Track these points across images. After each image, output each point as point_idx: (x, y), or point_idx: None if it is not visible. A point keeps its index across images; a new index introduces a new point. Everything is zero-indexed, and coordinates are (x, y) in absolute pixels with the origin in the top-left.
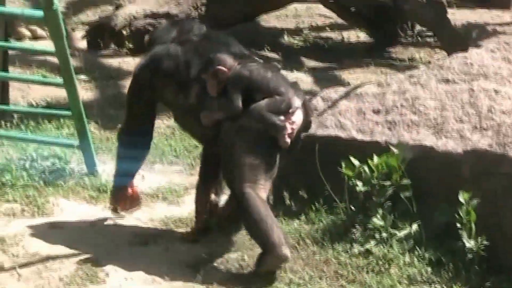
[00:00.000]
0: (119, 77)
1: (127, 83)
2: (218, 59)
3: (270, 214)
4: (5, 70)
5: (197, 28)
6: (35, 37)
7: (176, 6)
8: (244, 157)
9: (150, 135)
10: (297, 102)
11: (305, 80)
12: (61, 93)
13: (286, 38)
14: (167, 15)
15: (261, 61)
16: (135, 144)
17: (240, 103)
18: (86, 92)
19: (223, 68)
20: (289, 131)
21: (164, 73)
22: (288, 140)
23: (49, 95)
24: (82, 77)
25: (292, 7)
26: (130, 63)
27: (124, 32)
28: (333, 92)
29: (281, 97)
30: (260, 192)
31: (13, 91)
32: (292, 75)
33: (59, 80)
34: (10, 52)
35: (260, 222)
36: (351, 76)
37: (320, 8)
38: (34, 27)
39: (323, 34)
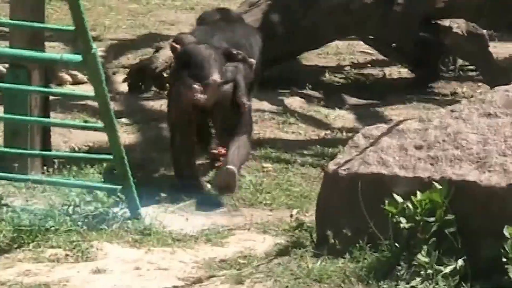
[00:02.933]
0: (160, 119)
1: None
2: (177, 37)
3: None
4: (47, 115)
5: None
6: (75, 82)
7: None
8: None
9: None
10: (214, 76)
11: (347, 117)
12: (103, 137)
13: (328, 76)
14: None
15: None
16: None
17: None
18: (127, 135)
19: (175, 44)
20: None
21: None
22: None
23: (91, 140)
24: (123, 120)
25: (334, 44)
26: None
27: (165, 75)
28: (375, 129)
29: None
30: None
31: (54, 136)
32: (334, 113)
33: (100, 124)
34: (51, 97)
35: None
36: (393, 112)
37: (361, 45)
38: (74, 72)
39: (365, 71)
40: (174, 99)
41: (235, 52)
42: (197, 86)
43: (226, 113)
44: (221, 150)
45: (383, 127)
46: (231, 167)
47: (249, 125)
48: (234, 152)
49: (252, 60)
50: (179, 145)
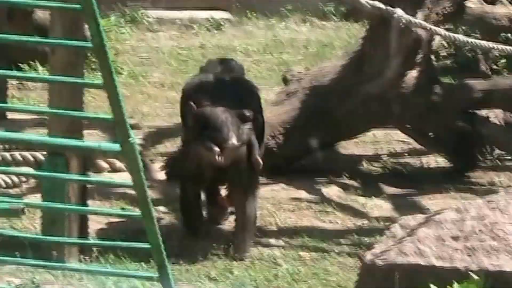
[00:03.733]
0: None
1: (205, 213)
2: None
3: None
4: (84, 203)
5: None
6: (113, 169)
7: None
8: None
9: None
10: (232, 140)
11: (384, 206)
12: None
13: (365, 165)
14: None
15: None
16: None
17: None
18: (165, 223)
19: (192, 104)
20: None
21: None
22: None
23: (128, 228)
24: (161, 209)
25: (371, 133)
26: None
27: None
28: (412, 219)
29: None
30: None
31: (92, 224)
32: (372, 202)
33: (138, 212)
34: (89, 185)
35: None
36: (431, 202)
37: (399, 134)
38: (112, 160)
39: (402, 160)
40: (191, 158)
41: (248, 114)
42: (217, 149)
43: (239, 172)
44: (226, 202)
45: (420, 217)
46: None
47: (258, 181)
48: (244, 217)
49: (261, 118)
50: (191, 200)
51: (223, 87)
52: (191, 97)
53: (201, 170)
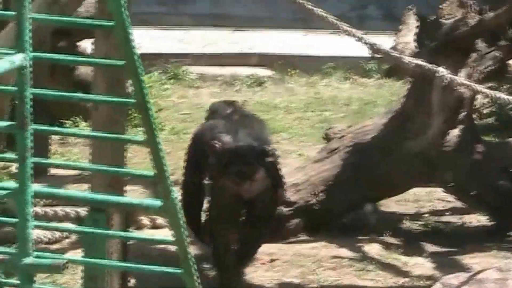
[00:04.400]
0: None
1: (248, 270)
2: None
3: None
4: (125, 259)
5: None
6: (155, 226)
7: (295, 193)
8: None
9: None
10: (260, 173)
11: (426, 265)
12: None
13: (407, 223)
14: (286, 202)
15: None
16: None
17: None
18: (206, 280)
19: (215, 143)
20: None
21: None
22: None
23: (171, 285)
24: (203, 265)
25: (412, 191)
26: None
27: None
28: (454, 278)
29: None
30: None
31: (133, 280)
32: (413, 261)
33: (178, 269)
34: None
35: None
36: (472, 261)
37: (440, 192)
38: (154, 216)
39: (444, 219)
40: (220, 194)
41: (268, 148)
42: (245, 182)
43: (264, 205)
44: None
45: (462, 276)
46: None
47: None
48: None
49: (278, 153)
50: (223, 238)
51: (237, 125)
52: (208, 137)
53: (230, 206)
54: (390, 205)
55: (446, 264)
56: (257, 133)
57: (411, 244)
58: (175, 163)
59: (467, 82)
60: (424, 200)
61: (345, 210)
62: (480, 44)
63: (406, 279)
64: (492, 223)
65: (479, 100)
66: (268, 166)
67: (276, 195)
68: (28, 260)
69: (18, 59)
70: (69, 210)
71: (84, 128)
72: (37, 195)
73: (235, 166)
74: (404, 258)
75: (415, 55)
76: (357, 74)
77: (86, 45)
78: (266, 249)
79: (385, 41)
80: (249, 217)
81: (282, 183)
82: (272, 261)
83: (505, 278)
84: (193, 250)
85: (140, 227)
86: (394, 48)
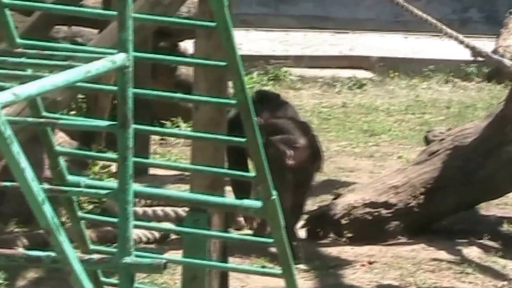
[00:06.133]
0: (338, 267)
1: (346, 272)
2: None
3: None
4: (225, 260)
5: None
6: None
7: (394, 195)
8: None
9: None
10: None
11: None
12: (281, 283)
13: (506, 226)
14: (386, 205)
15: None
16: None
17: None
18: (305, 282)
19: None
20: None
21: None
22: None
23: (269, 285)
24: (301, 266)
25: None
26: (349, 252)
27: (344, 222)
28: None
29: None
30: None
31: (232, 281)
32: (510, 264)
33: (278, 270)
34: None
35: None
36: None
37: None
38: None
39: None
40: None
41: (305, 123)
42: (289, 151)
43: (306, 174)
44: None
45: None
46: None
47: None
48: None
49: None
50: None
51: (269, 107)
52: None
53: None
54: (489, 208)
55: None
56: (292, 112)
57: (510, 247)
58: None
59: None
60: None
61: (445, 213)
62: None
63: (505, 282)
64: None
65: None
66: (308, 138)
67: (314, 165)
68: (128, 259)
69: (119, 58)
70: (169, 210)
71: (184, 128)
72: (138, 194)
73: (278, 137)
74: (503, 261)
75: None
76: (457, 77)
77: (187, 45)
78: (365, 251)
79: (486, 44)
80: (294, 183)
81: (320, 154)
82: (371, 263)
83: None
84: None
85: (240, 228)
86: (495, 51)
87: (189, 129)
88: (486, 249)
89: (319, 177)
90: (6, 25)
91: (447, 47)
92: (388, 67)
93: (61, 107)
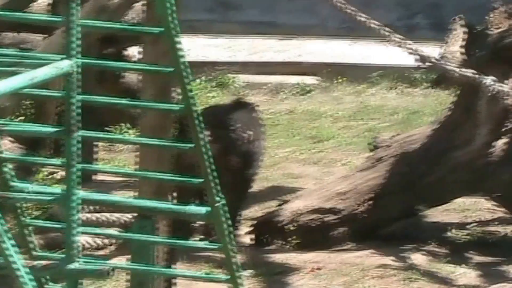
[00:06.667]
0: (284, 273)
1: (292, 279)
2: None
3: None
4: (171, 266)
5: None
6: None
7: (341, 202)
8: None
9: None
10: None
11: (471, 275)
12: None
13: (452, 233)
14: (332, 211)
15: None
16: None
17: None
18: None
19: None
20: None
21: None
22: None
23: None
24: (247, 273)
25: (458, 201)
26: (295, 259)
27: (290, 228)
28: None
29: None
30: None
31: (179, 286)
32: (459, 270)
33: (224, 276)
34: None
35: None
36: None
37: (486, 202)
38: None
39: (490, 229)
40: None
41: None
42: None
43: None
44: None
45: (508, 286)
46: None
47: None
48: None
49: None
50: None
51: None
52: None
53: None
54: (436, 214)
55: (492, 274)
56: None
57: (457, 253)
58: None
59: None
60: (470, 210)
61: (391, 220)
62: None
63: None
64: None
65: None
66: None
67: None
68: (74, 266)
69: (65, 65)
70: (115, 216)
71: (131, 134)
72: (84, 201)
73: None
74: (449, 268)
75: (463, 64)
76: (404, 83)
77: (133, 51)
78: (311, 257)
79: (432, 50)
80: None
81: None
82: (317, 269)
83: None
84: (238, 257)
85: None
86: (442, 57)
87: (135, 135)
88: (432, 255)
89: (265, 184)
90: None
91: (393, 53)
92: (335, 73)
93: (7, 113)
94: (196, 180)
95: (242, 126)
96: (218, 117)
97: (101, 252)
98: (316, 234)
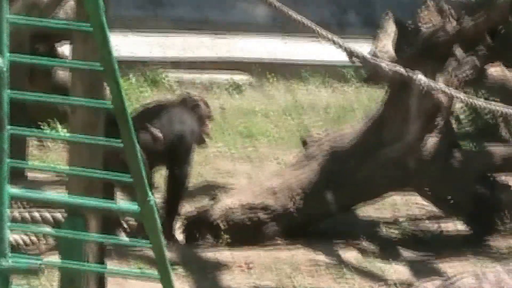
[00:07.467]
0: (215, 270)
1: (224, 275)
2: None
3: None
4: (102, 263)
5: None
6: (132, 229)
7: (272, 198)
8: None
9: None
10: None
11: (402, 271)
12: (158, 286)
13: (383, 229)
14: (263, 208)
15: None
16: None
17: None
18: (183, 285)
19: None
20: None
21: None
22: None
23: None
24: (179, 270)
25: (390, 198)
26: (227, 255)
27: (221, 225)
28: (430, 284)
29: None
30: None
31: (110, 284)
32: (390, 266)
33: (156, 273)
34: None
35: None
36: (449, 267)
37: (417, 199)
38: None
39: (421, 224)
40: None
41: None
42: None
43: None
44: None
45: (438, 282)
46: None
47: None
48: None
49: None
50: None
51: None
52: None
53: None
54: (367, 210)
55: (423, 270)
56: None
57: (388, 249)
58: None
59: (445, 88)
60: (401, 206)
61: (322, 215)
62: (458, 50)
63: (383, 285)
64: (469, 230)
65: (457, 106)
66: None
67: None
68: (4, 262)
69: None
70: (46, 213)
71: (61, 131)
72: (14, 197)
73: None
74: (380, 264)
75: (393, 61)
76: (335, 80)
77: (65, 48)
78: (243, 254)
79: (364, 47)
80: None
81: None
82: (249, 266)
83: (481, 284)
84: (169, 254)
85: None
86: (373, 54)
87: (66, 132)
88: (363, 251)
89: (197, 180)
90: None
91: (325, 50)
92: (266, 70)
93: None
94: (126, 178)
95: (158, 126)
96: (140, 117)
97: (33, 250)
98: (247, 231)
